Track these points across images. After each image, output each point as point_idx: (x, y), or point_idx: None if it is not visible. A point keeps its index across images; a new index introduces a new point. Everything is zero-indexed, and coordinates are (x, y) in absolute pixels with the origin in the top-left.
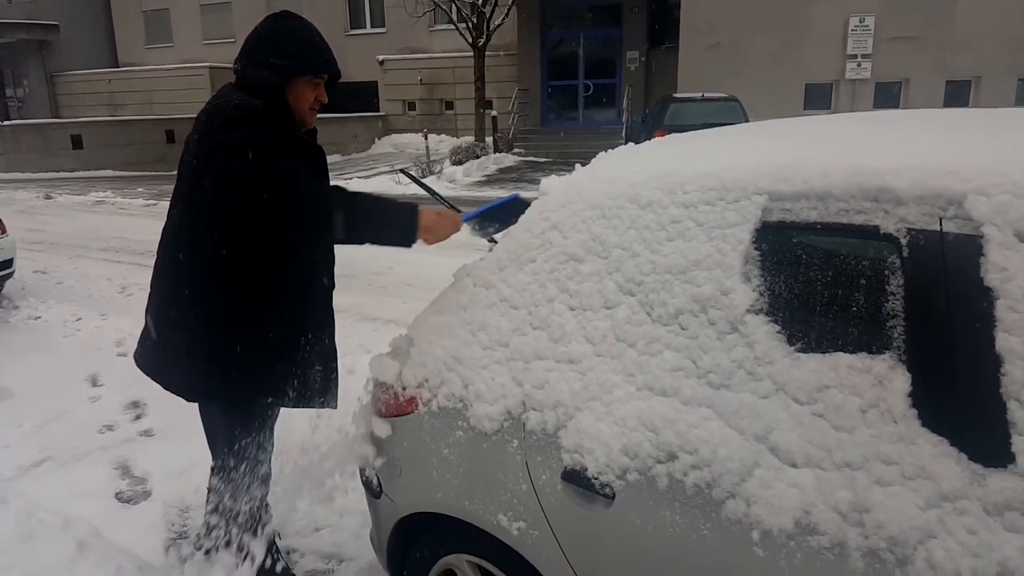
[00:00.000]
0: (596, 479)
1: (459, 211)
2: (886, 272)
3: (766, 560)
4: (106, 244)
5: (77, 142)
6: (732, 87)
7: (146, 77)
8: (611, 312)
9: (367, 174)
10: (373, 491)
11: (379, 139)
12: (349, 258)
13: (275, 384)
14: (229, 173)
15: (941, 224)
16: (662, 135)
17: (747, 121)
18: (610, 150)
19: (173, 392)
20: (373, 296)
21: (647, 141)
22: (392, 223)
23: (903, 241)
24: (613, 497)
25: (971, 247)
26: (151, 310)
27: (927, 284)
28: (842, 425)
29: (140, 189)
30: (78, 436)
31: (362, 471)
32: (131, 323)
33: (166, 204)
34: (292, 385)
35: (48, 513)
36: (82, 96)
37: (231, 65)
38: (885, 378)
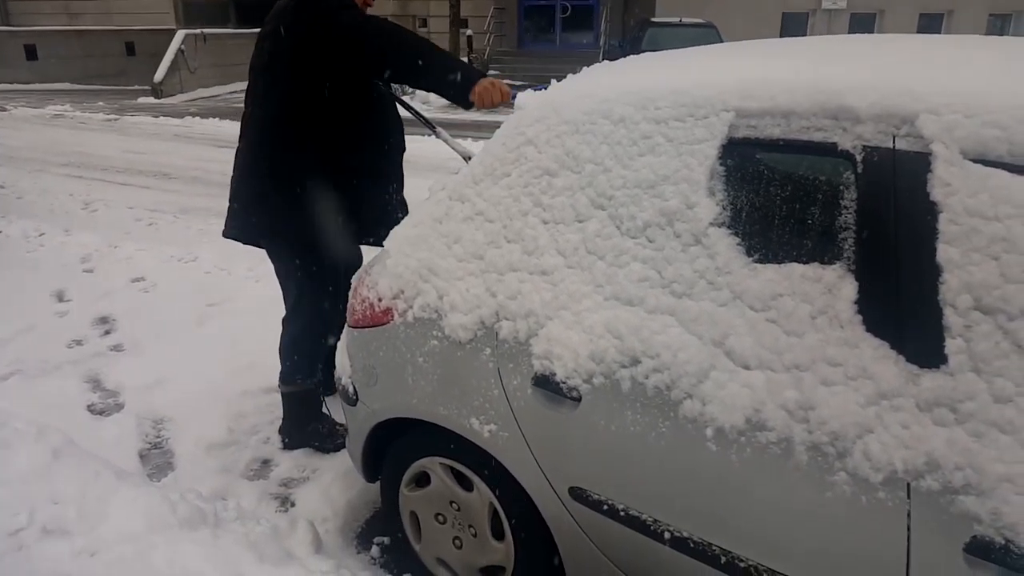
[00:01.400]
0: (564, 383)
1: (435, 129)
2: (841, 187)
3: (718, 455)
4: (67, 159)
5: (31, 52)
6: (711, 13)
7: None
8: (582, 225)
9: None
10: (349, 399)
11: None
12: None
13: (362, 224)
14: (341, 27)
15: (894, 141)
16: None
17: None
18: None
19: (256, 243)
20: None
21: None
22: (458, 73)
23: (858, 158)
24: (579, 400)
25: (920, 164)
26: (241, 188)
27: (878, 199)
28: (793, 330)
29: (100, 103)
30: (47, 350)
31: (338, 380)
32: (96, 239)
33: (129, 119)
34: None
35: (21, 422)
36: (36, 3)
37: None
38: (835, 286)
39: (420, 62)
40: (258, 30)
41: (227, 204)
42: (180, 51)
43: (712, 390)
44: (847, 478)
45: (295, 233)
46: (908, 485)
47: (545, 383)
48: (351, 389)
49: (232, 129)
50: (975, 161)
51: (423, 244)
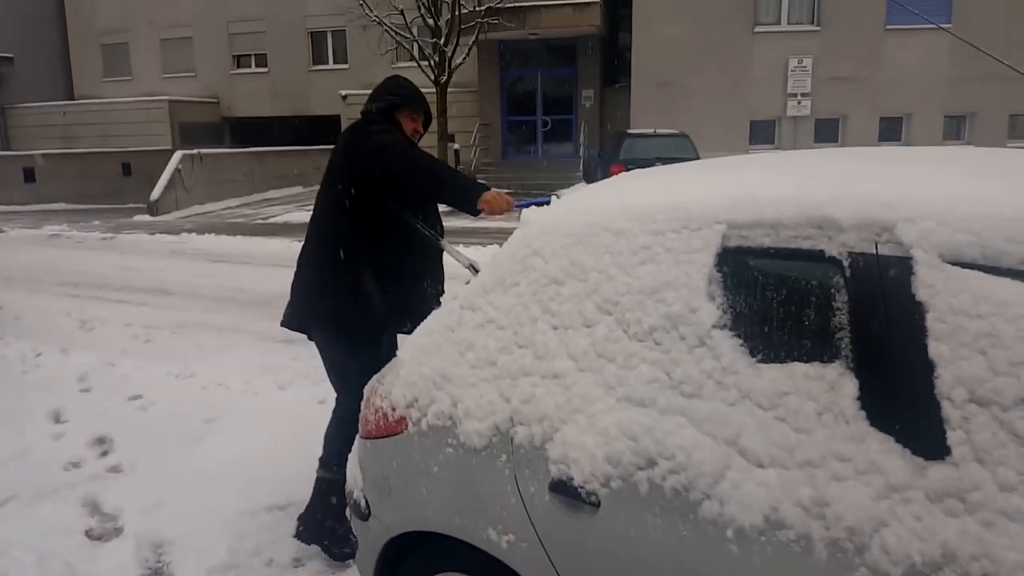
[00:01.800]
0: (582, 488)
1: (439, 241)
2: (832, 290)
3: (741, 556)
4: (64, 278)
5: (29, 175)
6: (682, 123)
7: (103, 110)
8: (591, 330)
9: None
10: (361, 513)
11: None
12: None
13: (400, 317)
14: (376, 147)
15: (877, 248)
16: (619, 169)
17: (697, 155)
18: (575, 185)
19: (312, 333)
20: None
21: (609, 176)
22: (466, 188)
23: (845, 263)
24: (598, 505)
25: (903, 267)
26: (301, 278)
27: (868, 300)
28: (801, 427)
29: (96, 222)
30: (43, 473)
31: (350, 494)
32: (93, 358)
33: (125, 237)
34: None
35: (20, 550)
36: (35, 129)
37: (191, 98)
38: (836, 384)
39: (437, 181)
40: (252, 149)
41: (230, 317)
42: (177, 170)
43: (729, 490)
44: (868, 573)
45: (346, 322)
46: None
47: (563, 488)
48: (363, 503)
49: (227, 244)
50: (952, 264)
51: (436, 352)
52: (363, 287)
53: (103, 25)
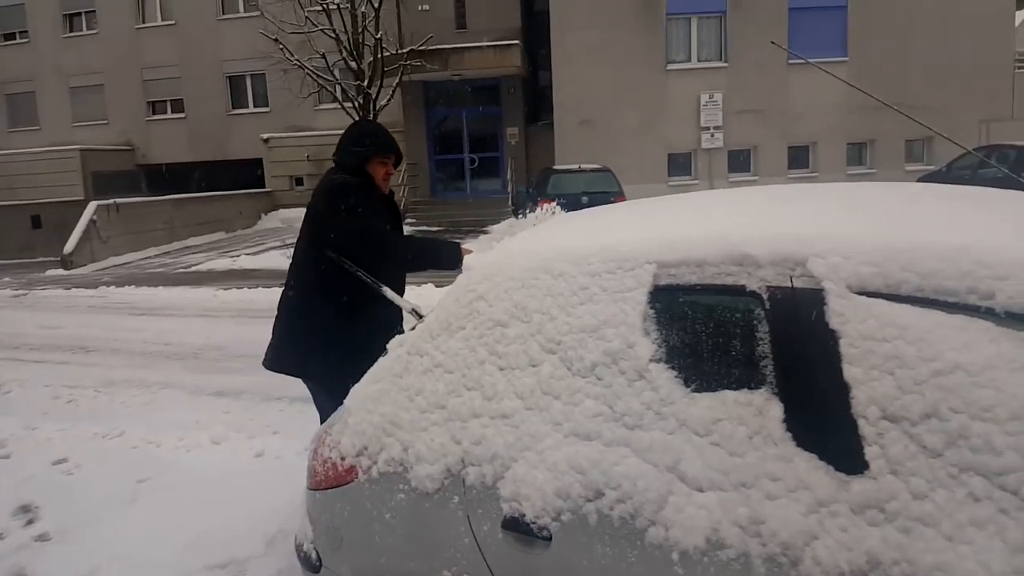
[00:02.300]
0: (534, 523)
1: (380, 287)
2: (755, 321)
3: None
4: None
5: None
6: (604, 158)
7: (8, 161)
8: (536, 369)
9: (255, 250)
10: (312, 566)
11: (266, 214)
12: (243, 341)
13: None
14: (334, 230)
15: (792, 281)
16: (546, 203)
17: (620, 188)
18: (505, 220)
19: (296, 374)
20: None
21: (537, 211)
22: (444, 251)
23: (764, 296)
24: (550, 539)
25: (816, 298)
26: (280, 322)
27: (786, 329)
28: (735, 451)
29: (6, 279)
30: None
31: (299, 548)
32: (12, 423)
33: (39, 293)
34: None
35: None
36: None
37: (104, 146)
38: (763, 408)
39: (400, 263)
40: (171, 196)
41: (157, 372)
42: (92, 221)
43: (672, 514)
44: None
45: (322, 360)
46: None
47: (515, 525)
48: (314, 555)
49: (148, 295)
50: (859, 293)
51: (385, 399)
52: (324, 329)
53: (6, 74)
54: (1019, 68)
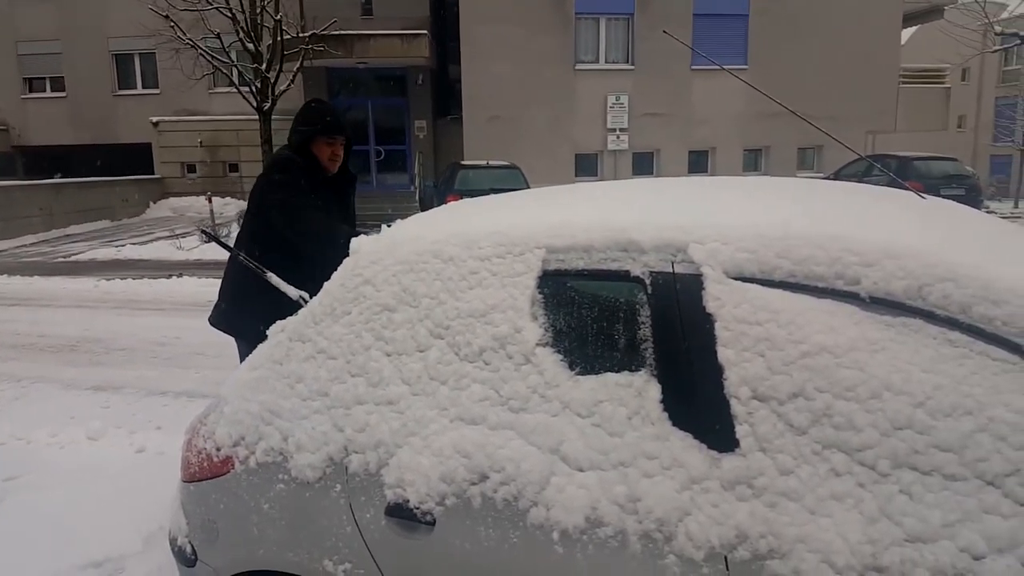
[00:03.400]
0: (417, 508)
1: (264, 272)
2: (637, 306)
3: (566, 556)
4: None
5: None
6: (513, 155)
7: None
8: (424, 354)
9: (142, 240)
10: (187, 560)
11: (155, 203)
12: (126, 334)
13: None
14: (264, 200)
15: (673, 267)
16: (454, 198)
17: (527, 185)
18: (408, 215)
19: (231, 331)
20: (160, 369)
21: (442, 204)
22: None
23: (647, 281)
24: (434, 523)
25: (695, 283)
26: (224, 281)
27: (667, 313)
28: (615, 431)
29: None
30: None
31: (173, 542)
32: None
33: None
34: None
35: None
36: None
37: None
38: (643, 390)
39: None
40: (50, 181)
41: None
42: None
43: (554, 495)
44: (676, 560)
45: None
46: (726, 558)
47: (399, 511)
48: (188, 549)
49: (22, 285)
50: (735, 278)
51: (264, 387)
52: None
53: None
54: (903, 83)
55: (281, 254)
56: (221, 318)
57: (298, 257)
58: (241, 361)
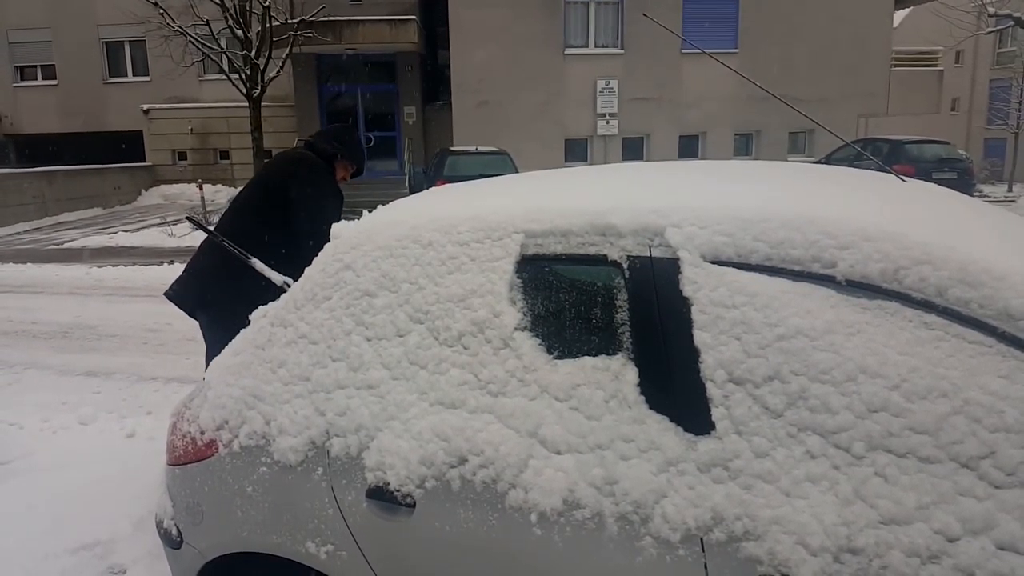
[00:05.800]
0: (398, 491)
1: (249, 258)
2: (615, 290)
3: (544, 538)
4: None
5: None
6: (502, 141)
7: None
8: (404, 339)
9: (134, 227)
10: (173, 542)
11: (146, 190)
12: (115, 321)
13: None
14: (295, 193)
15: (651, 251)
16: (443, 184)
17: (516, 171)
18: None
19: (191, 309)
20: (151, 355)
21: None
22: None
23: (625, 265)
24: (414, 506)
25: (672, 267)
26: (195, 257)
27: (644, 296)
28: (592, 414)
29: None
30: None
31: (160, 524)
32: None
33: None
34: None
35: None
36: None
37: None
38: (620, 373)
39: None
40: (42, 169)
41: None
42: None
43: (532, 477)
44: (652, 541)
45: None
46: (701, 540)
47: (380, 494)
48: (174, 531)
49: (14, 272)
50: (712, 262)
51: (246, 372)
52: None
53: None
54: (896, 66)
55: (289, 246)
56: (184, 294)
57: (299, 245)
58: (205, 340)
